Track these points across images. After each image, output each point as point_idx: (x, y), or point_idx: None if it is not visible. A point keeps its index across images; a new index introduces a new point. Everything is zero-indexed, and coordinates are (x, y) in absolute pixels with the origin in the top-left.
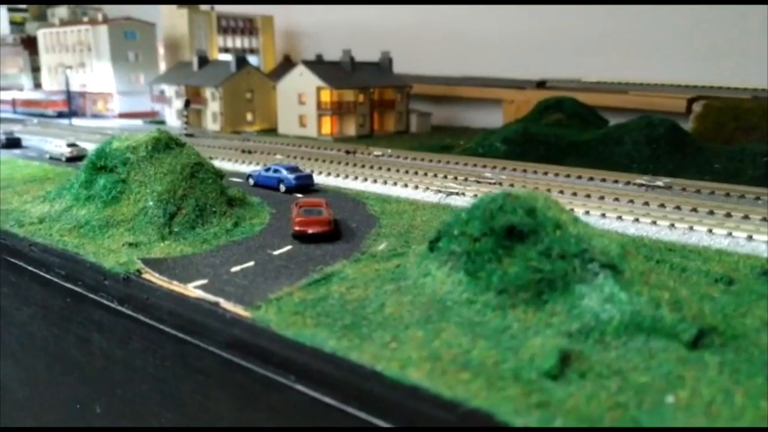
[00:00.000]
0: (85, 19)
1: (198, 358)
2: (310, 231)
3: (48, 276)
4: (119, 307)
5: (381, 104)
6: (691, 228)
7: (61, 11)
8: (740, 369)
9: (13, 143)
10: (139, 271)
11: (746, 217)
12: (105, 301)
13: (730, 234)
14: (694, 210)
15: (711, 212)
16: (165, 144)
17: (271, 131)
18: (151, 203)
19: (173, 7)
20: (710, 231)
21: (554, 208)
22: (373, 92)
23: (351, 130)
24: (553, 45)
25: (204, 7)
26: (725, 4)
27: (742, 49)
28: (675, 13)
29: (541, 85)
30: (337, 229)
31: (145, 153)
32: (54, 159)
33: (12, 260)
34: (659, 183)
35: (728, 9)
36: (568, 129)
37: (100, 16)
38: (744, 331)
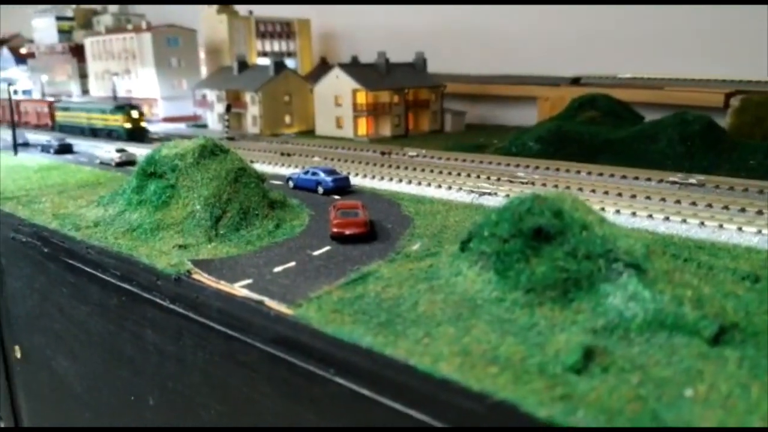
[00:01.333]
0: (129, 26)
1: (244, 353)
2: (347, 232)
3: (104, 276)
4: (171, 306)
5: (415, 104)
6: (720, 226)
7: (106, 19)
8: (759, 364)
9: (65, 149)
10: (189, 271)
11: None
12: (158, 300)
13: (760, 231)
14: (726, 208)
15: (743, 209)
16: (210, 151)
17: (309, 133)
18: (198, 207)
19: (213, 12)
20: (740, 229)
21: (581, 209)
22: (407, 93)
23: (386, 130)
24: (587, 41)
25: (243, 12)
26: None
27: None
28: (711, 8)
29: (575, 81)
30: (373, 230)
31: (192, 160)
32: (104, 164)
33: (70, 262)
34: (692, 180)
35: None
36: (602, 126)
37: (143, 24)
38: (765, 328)
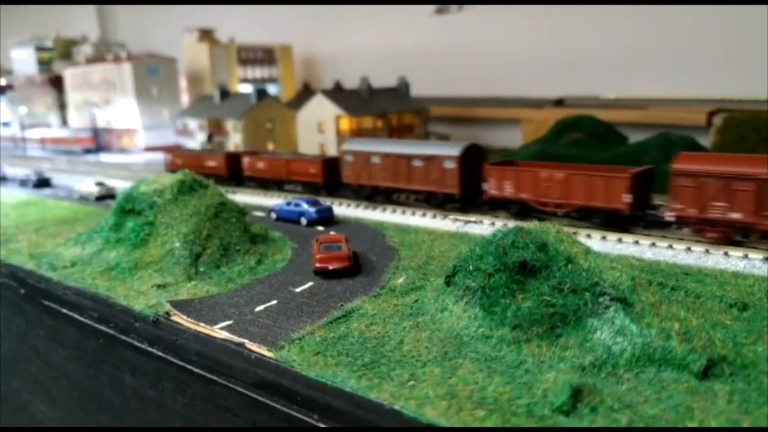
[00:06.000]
0: (110, 56)
1: (225, 398)
2: (330, 267)
3: (81, 318)
4: (150, 349)
5: (400, 129)
6: (707, 251)
7: (86, 49)
8: (749, 398)
9: (43, 183)
10: (167, 313)
11: (764, 237)
12: (136, 343)
13: (746, 256)
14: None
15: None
16: (189, 186)
17: None
18: (177, 244)
19: (194, 40)
20: (726, 254)
21: (566, 241)
22: (391, 118)
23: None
24: (570, 62)
25: (224, 40)
26: (742, 16)
27: (761, 60)
28: (692, 28)
29: (559, 103)
30: (357, 263)
31: (171, 196)
32: (83, 198)
33: (47, 303)
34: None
35: (745, 22)
36: (586, 148)
37: (123, 54)
38: (754, 360)
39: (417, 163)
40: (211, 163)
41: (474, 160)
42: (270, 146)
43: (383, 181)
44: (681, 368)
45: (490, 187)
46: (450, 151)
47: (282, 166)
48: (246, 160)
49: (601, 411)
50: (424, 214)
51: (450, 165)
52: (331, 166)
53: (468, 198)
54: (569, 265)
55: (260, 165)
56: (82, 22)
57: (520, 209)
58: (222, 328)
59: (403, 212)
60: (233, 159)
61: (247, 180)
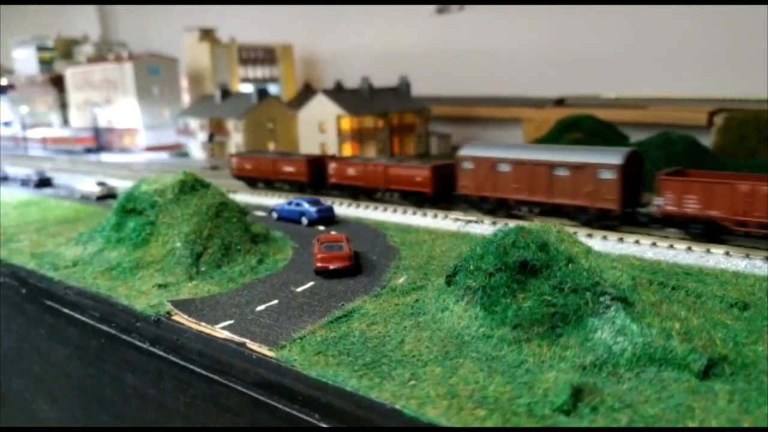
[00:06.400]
0: (111, 56)
1: (226, 397)
2: (331, 267)
3: (83, 318)
4: (151, 348)
5: (400, 128)
6: (708, 251)
7: (87, 49)
8: (750, 398)
9: (45, 182)
10: (168, 312)
11: (765, 237)
12: (137, 342)
13: (747, 256)
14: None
15: (729, 233)
16: (191, 186)
17: None
18: (178, 244)
19: (195, 40)
20: (727, 254)
21: (567, 241)
22: (392, 117)
23: (371, 155)
24: (571, 62)
25: (225, 39)
26: (742, 16)
27: (762, 60)
28: (692, 27)
29: (559, 102)
30: (358, 263)
31: (172, 195)
32: (84, 198)
33: (48, 303)
34: None
35: (746, 21)
36: None
37: (125, 53)
38: (755, 359)
39: (561, 173)
40: (289, 169)
41: (635, 169)
42: (271, 146)
43: (515, 193)
44: (682, 368)
45: (667, 202)
46: (608, 158)
47: (379, 173)
48: (333, 166)
49: (601, 410)
50: (425, 214)
51: (608, 175)
52: (442, 173)
53: (629, 214)
54: (570, 265)
55: (351, 171)
56: (83, 21)
57: (706, 228)
58: (223, 328)
59: (404, 212)
60: (316, 164)
61: (332, 188)
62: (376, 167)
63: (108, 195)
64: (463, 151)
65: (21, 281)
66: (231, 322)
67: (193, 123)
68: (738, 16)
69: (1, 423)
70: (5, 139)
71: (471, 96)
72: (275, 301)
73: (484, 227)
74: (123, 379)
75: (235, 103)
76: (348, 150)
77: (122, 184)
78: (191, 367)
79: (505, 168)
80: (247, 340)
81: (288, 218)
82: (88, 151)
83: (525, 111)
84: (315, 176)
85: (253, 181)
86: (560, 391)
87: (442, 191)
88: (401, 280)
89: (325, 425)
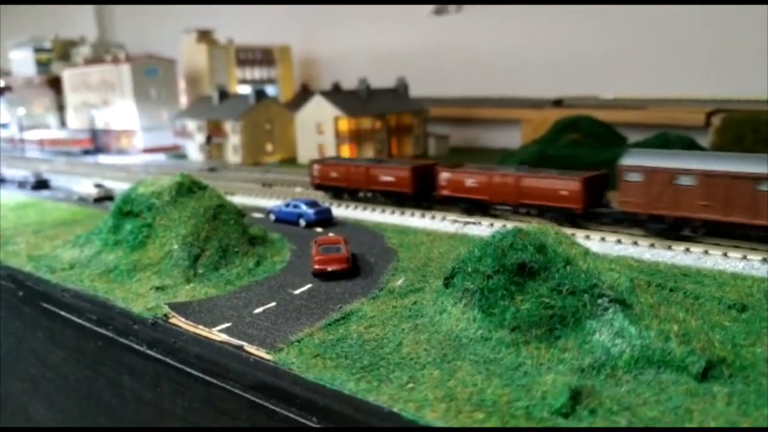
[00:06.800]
0: (108, 57)
1: (224, 400)
2: (329, 269)
3: (80, 321)
4: (148, 351)
5: (398, 129)
6: (706, 252)
7: (84, 50)
8: (748, 400)
9: (42, 184)
10: (166, 315)
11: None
12: (135, 345)
13: (745, 257)
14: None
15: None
16: (188, 188)
17: (291, 161)
18: (176, 246)
19: (192, 41)
20: (725, 255)
21: (565, 243)
22: (389, 118)
23: (369, 156)
24: (569, 62)
25: (223, 41)
26: (741, 16)
27: (760, 60)
28: (691, 28)
29: (558, 103)
30: (356, 265)
31: (169, 198)
32: (82, 200)
33: (46, 305)
34: None
35: (745, 22)
36: (584, 149)
37: (122, 55)
38: (753, 361)
39: None
40: (387, 178)
41: None
42: (268, 147)
43: (702, 211)
44: (680, 370)
45: None
46: None
47: (510, 185)
48: (445, 176)
49: (600, 413)
50: (423, 215)
51: None
52: (593, 183)
53: None
54: (568, 267)
55: (470, 182)
56: (81, 22)
57: None
58: (221, 331)
59: (402, 213)
60: (423, 173)
61: (442, 200)
62: (504, 177)
63: (105, 197)
64: (629, 159)
65: (18, 284)
66: (228, 324)
67: (191, 124)
68: (736, 17)
69: None
70: (2, 141)
71: (469, 97)
72: (273, 304)
73: (482, 228)
74: (120, 382)
75: (233, 104)
76: (346, 151)
77: (119, 186)
78: (188, 370)
79: (687, 181)
80: (244, 343)
81: (285, 220)
82: (86, 152)
83: (523, 112)
84: (420, 187)
85: (338, 192)
86: (558, 393)
87: (592, 203)
88: (399, 282)
89: (322, 428)
